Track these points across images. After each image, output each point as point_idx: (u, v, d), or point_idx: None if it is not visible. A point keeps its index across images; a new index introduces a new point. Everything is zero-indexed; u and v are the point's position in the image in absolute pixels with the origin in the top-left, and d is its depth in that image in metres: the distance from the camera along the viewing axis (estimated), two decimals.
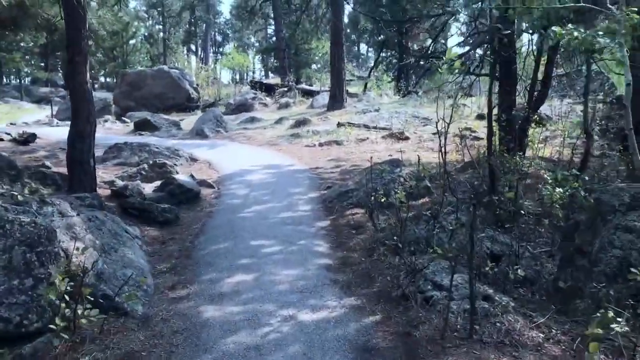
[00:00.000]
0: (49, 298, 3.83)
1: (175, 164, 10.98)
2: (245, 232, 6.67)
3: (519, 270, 4.68)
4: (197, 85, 27.26)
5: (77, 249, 4.15)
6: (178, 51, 47.03)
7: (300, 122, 16.15)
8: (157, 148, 11.53)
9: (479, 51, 13.26)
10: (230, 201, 8.25)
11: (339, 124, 15.33)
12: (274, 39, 51.54)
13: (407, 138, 13.53)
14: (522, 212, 6.23)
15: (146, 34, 66.76)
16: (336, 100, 18.81)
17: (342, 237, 6.52)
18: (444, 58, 8.33)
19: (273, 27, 40.60)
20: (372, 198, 6.99)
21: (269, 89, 26.02)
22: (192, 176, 9.53)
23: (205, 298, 4.78)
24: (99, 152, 12.26)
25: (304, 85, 26.96)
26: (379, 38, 34.13)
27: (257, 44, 58.64)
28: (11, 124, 27.96)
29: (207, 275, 5.32)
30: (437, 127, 6.58)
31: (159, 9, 75.13)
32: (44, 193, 6.77)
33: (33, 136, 14.69)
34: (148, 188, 8.41)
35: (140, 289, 4.79)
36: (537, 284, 5.32)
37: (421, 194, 8.02)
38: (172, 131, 16.18)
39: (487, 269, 4.70)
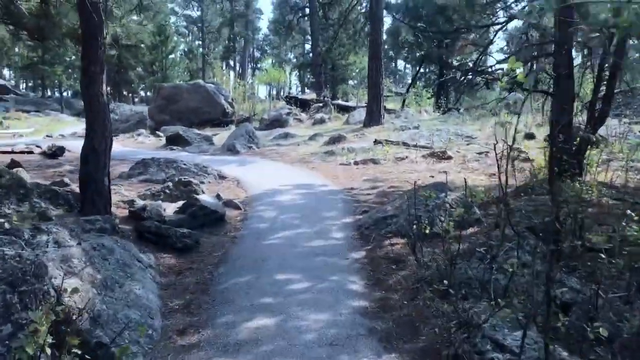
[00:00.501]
0: (26, 351, 3.16)
1: (202, 182, 10.40)
2: (271, 263, 5.94)
3: (600, 329, 3.80)
4: (233, 100, 26.94)
5: (65, 290, 3.49)
6: (216, 66, 47.07)
7: (335, 139, 15.45)
8: (185, 164, 10.97)
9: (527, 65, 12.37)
10: (256, 225, 7.55)
11: (376, 142, 14.55)
12: (311, 54, 51.41)
13: (449, 157, 12.64)
14: (592, 248, 5.34)
15: (186, 49, 67.73)
16: (373, 117, 18.06)
17: (380, 273, 5.72)
18: (503, 70, 7.43)
19: (310, 42, 40.39)
20: (415, 227, 6.19)
21: (304, 105, 25.47)
22: (218, 196, 8.89)
23: (219, 348, 4.05)
24: (124, 168, 11.85)
25: (339, 101, 26.33)
26: (418, 53, 33.33)
27: (294, 60, 58.63)
28: (47, 136, 28.19)
29: (224, 317, 4.59)
30: (493, 149, 5.66)
31: (198, 24, 76.42)
32: (53, 214, 6.21)
33: (61, 149, 14.40)
34: (170, 209, 7.79)
35: (144, 334, 4.10)
36: (616, 341, 4.41)
37: (470, 224, 7.16)
38: (203, 146, 15.70)
39: (559, 324, 3.84)
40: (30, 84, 71.53)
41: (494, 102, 21.77)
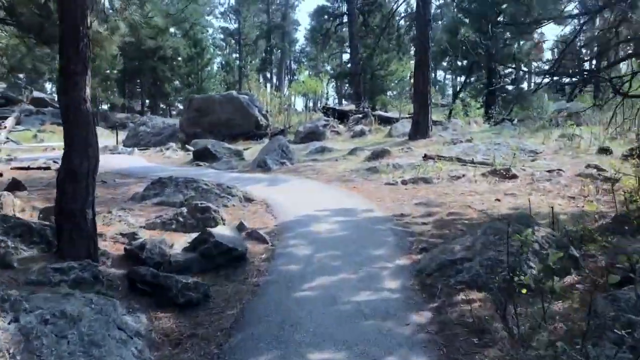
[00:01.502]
0: None
1: (225, 205, 8.89)
2: (302, 331, 4.30)
3: None
4: (267, 111, 25.59)
5: None
6: (253, 78, 46.21)
7: (378, 154, 13.77)
8: (206, 185, 9.46)
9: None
10: (285, 267, 5.92)
11: (426, 157, 12.79)
12: (349, 64, 49.90)
13: (514, 176, 10.77)
14: None
15: (223, 62, 67.35)
16: (420, 129, 16.31)
17: (458, 351, 3.99)
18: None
19: (348, 51, 38.89)
20: (501, 278, 4.48)
21: (342, 116, 23.88)
22: (240, 225, 7.33)
23: None
24: (140, 188, 10.44)
25: (380, 112, 24.65)
26: (464, 62, 31.45)
27: (331, 71, 57.21)
28: None
29: None
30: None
31: (235, 37, 76.14)
32: (19, 258, 4.74)
33: None
34: (179, 243, 6.25)
35: None
36: None
37: (566, 269, 5.37)
38: (232, 162, 14.25)
39: None
40: None
41: (552, 112, 19.76)
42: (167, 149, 21.52)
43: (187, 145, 21.33)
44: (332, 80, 28.48)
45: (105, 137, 38.40)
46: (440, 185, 10.53)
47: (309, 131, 20.59)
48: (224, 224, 7.44)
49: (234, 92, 24.55)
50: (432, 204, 8.99)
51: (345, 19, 31.68)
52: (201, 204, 7.60)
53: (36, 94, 57.56)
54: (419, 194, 9.88)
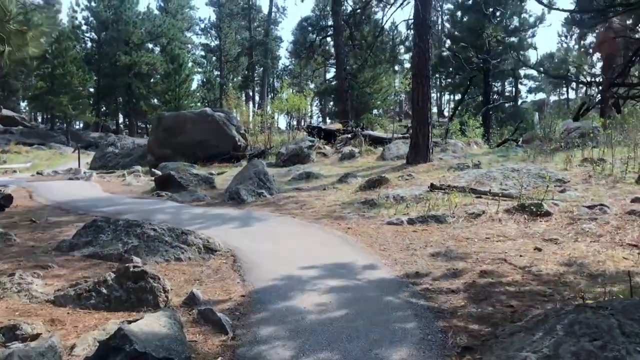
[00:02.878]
0: None
1: (177, 258, 6.60)
2: None
3: None
4: (246, 131, 23.35)
5: None
6: (231, 94, 43.99)
7: (374, 182, 11.56)
8: (155, 229, 7.12)
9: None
10: None
11: (433, 187, 10.60)
12: (333, 80, 47.94)
13: (547, 214, 8.60)
14: None
15: (204, 79, 65.26)
16: (419, 151, 14.15)
17: None
18: None
19: (334, 66, 36.86)
20: None
21: (328, 136, 21.70)
22: (191, 298, 5.04)
23: None
24: (74, 230, 8.08)
25: (371, 132, 22.52)
26: (455, 78, 29.61)
27: (315, 88, 55.25)
28: (37, 173, 24.84)
29: None
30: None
31: (217, 53, 74.12)
32: None
33: (8, 199, 10.71)
34: (83, 346, 3.93)
35: None
36: None
37: None
38: (199, 193, 11.89)
39: None
40: (43, 116, 69.37)
41: (561, 132, 17.80)
42: (131, 173, 19.12)
43: (154, 170, 18.95)
44: (317, 97, 26.28)
45: (75, 159, 35.79)
46: (457, 227, 8.31)
47: (293, 153, 18.36)
48: (165, 298, 5.12)
49: (208, 110, 22.29)
50: (454, 256, 6.77)
51: (330, 32, 29.78)
52: (134, 267, 5.25)
53: (5, 111, 54.70)
54: (432, 239, 7.65)
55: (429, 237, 7.78)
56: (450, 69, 30.30)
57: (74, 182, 16.34)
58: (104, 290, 5.10)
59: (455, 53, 25.84)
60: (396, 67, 33.83)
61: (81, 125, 62.33)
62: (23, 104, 70.73)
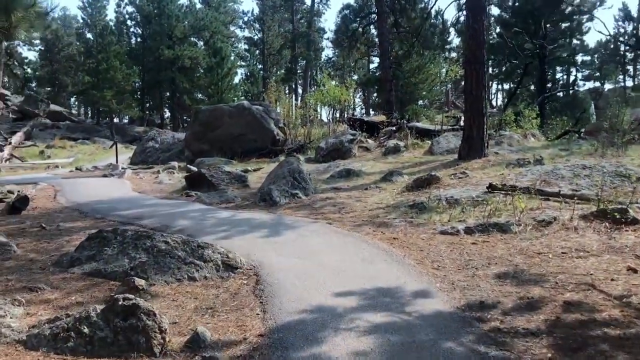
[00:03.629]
0: None
1: (190, 277, 5.57)
2: None
3: None
4: (285, 124, 22.30)
5: None
6: (273, 89, 43.22)
7: (423, 181, 10.25)
8: (167, 242, 6.08)
9: None
10: None
11: (491, 188, 9.21)
12: (377, 70, 46.36)
13: (635, 221, 7.13)
14: None
15: (247, 72, 64.84)
16: (473, 145, 12.71)
17: None
18: None
19: (377, 55, 35.34)
20: None
21: (371, 129, 20.39)
22: (194, 340, 3.97)
23: None
24: (81, 240, 7.14)
25: (417, 124, 21.05)
26: (509, 64, 27.66)
27: (358, 79, 53.81)
28: (76, 169, 24.57)
29: None
30: None
31: (260, 47, 73.65)
32: None
33: (24, 201, 9.94)
34: None
35: None
36: None
37: None
38: (228, 193, 10.86)
39: None
40: (90, 111, 70.48)
41: (629, 121, 15.94)
42: (167, 170, 18.39)
43: (189, 166, 18.15)
44: (359, 88, 24.92)
45: (119, 153, 35.68)
46: (525, 238, 6.94)
47: (333, 147, 17.18)
48: (162, 340, 4.04)
49: (246, 103, 21.34)
50: (526, 278, 5.45)
51: (374, 19, 28.35)
52: (124, 300, 4.19)
53: (53, 107, 55.65)
54: (496, 254, 6.34)
55: (492, 252, 6.46)
56: (501, 56, 28.33)
57: (105, 180, 15.67)
58: (86, 330, 4.07)
59: (506, 39, 23.97)
60: (444, 55, 31.98)
61: (126, 119, 62.98)
62: (72, 99, 72.23)
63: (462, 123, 21.05)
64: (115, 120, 62.54)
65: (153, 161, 27.01)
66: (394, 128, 19.30)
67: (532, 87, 29.36)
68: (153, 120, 61.05)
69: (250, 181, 12.95)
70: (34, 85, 73.17)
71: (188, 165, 18.07)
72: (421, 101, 41.86)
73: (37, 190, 13.13)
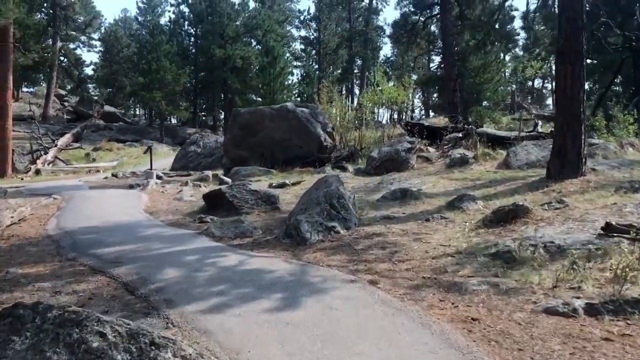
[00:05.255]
0: None
1: None
2: None
3: None
4: (333, 128, 19.85)
5: None
6: (326, 90, 40.86)
7: (505, 215, 7.51)
8: (103, 336, 3.73)
9: None
10: None
11: (609, 229, 6.41)
12: (438, 68, 43.14)
13: None
14: None
15: (303, 73, 62.96)
16: (567, 160, 9.79)
17: None
18: None
19: (438, 52, 32.26)
20: None
21: (432, 134, 17.61)
22: None
23: None
24: (21, 296, 4.93)
25: (486, 129, 18.08)
26: (594, 62, 24.07)
27: (416, 78, 50.63)
28: (113, 175, 23.07)
29: None
30: None
31: (315, 46, 71.67)
32: None
33: None
34: None
35: None
36: None
37: None
38: (247, 222, 8.41)
39: None
40: (144, 112, 70.53)
41: None
42: (197, 180, 16.36)
43: (223, 177, 16.02)
44: (418, 88, 22.19)
45: (164, 157, 34.36)
46: None
47: (386, 157, 14.58)
48: None
49: (289, 104, 19.03)
50: None
51: (436, 11, 25.47)
52: None
53: (107, 108, 55.57)
54: None
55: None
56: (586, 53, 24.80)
57: (123, 194, 13.73)
58: None
59: (594, 32, 20.61)
60: (512, 52, 28.68)
61: (178, 121, 62.37)
62: (130, 101, 72.52)
63: (540, 129, 17.98)
64: (170, 122, 62.10)
65: (194, 167, 25.22)
66: (459, 134, 16.46)
67: (619, 88, 25.64)
68: (205, 122, 60.07)
69: (283, 201, 10.56)
70: (92, 86, 74.18)
71: (221, 176, 15.95)
72: (484, 103, 38.47)
73: (37, 208, 11.29)
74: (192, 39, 53.34)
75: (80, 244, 7.47)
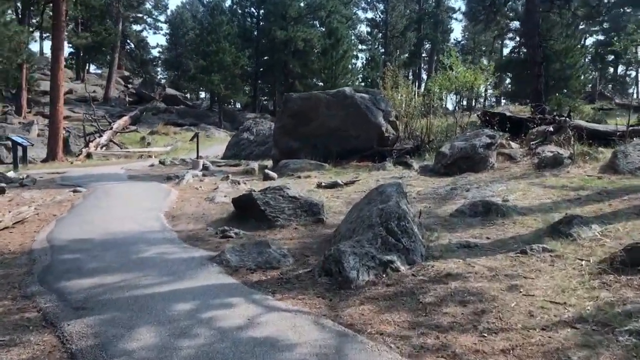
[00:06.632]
0: None
1: None
2: None
3: None
4: (397, 117, 17.48)
5: None
6: (391, 74, 38.31)
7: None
8: None
9: None
10: None
11: None
12: (514, 51, 39.50)
13: None
14: None
15: (368, 56, 60.43)
16: None
17: None
18: None
19: (515, 32, 28.86)
20: None
21: (516, 127, 14.95)
22: None
23: None
24: None
25: (580, 121, 15.20)
26: None
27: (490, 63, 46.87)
28: (160, 162, 21.73)
29: None
30: None
31: (382, 29, 68.86)
32: None
33: None
34: None
35: None
36: None
37: None
38: (272, 250, 6.04)
39: None
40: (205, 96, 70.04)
41: None
42: (239, 175, 14.54)
43: (268, 171, 14.09)
44: (496, 72, 19.48)
45: (220, 142, 33.01)
46: None
47: (460, 155, 12.16)
48: None
49: (347, 90, 16.81)
50: None
51: None
52: None
53: (169, 90, 55.11)
54: None
55: None
56: None
57: (152, 188, 12.06)
58: None
59: None
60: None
61: (238, 105, 61.36)
62: (193, 84, 72.32)
63: None
64: (233, 106, 61.22)
65: (246, 155, 23.60)
66: (550, 128, 13.71)
67: None
68: (266, 107, 58.71)
69: (330, 210, 8.45)
70: (160, 69, 74.53)
71: (266, 171, 14.04)
72: (564, 90, 34.80)
73: (48, 205, 9.75)
74: (254, 20, 51.81)
75: (54, 269, 5.69)
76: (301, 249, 6.47)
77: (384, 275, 5.26)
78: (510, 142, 14.08)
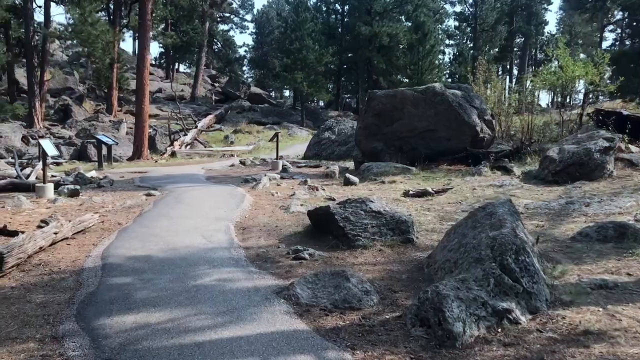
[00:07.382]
0: None
1: None
2: None
3: None
4: (492, 116, 15.78)
5: None
6: (482, 69, 36.01)
7: None
8: None
9: None
10: None
11: None
12: (619, 42, 35.85)
13: None
14: None
15: (456, 52, 57.92)
16: None
17: None
18: None
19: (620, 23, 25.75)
20: None
21: (636, 127, 12.91)
22: None
23: None
24: None
25: None
26: None
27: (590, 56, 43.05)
28: (240, 162, 21.27)
29: None
30: None
31: (471, 23, 65.78)
32: None
33: None
34: None
35: None
36: None
37: None
38: (352, 285, 4.82)
39: None
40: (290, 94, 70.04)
41: None
42: (319, 178, 13.56)
43: (349, 176, 12.98)
44: (609, 62, 17.08)
45: (302, 141, 32.39)
46: None
47: (572, 160, 10.45)
48: None
49: (437, 86, 15.32)
50: None
51: None
52: None
53: (254, 89, 55.47)
54: None
55: None
56: None
57: (227, 193, 11.30)
58: None
59: None
60: None
61: (321, 103, 60.77)
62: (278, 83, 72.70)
63: None
64: (317, 104, 60.78)
65: (327, 155, 22.70)
66: None
67: None
68: (349, 105, 57.72)
69: (420, 227, 7.22)
70: (247, 68, 75.57)
71: (347, 175, 12.92)
72: None
73: (116, 211, 9.21)
74: (338, 16, 50.88)
75: (98, 298, 4.89)
76: (387, 280, 5.30)
77: (499, 330, 4.00)
78: (630, 145, 12.11)
